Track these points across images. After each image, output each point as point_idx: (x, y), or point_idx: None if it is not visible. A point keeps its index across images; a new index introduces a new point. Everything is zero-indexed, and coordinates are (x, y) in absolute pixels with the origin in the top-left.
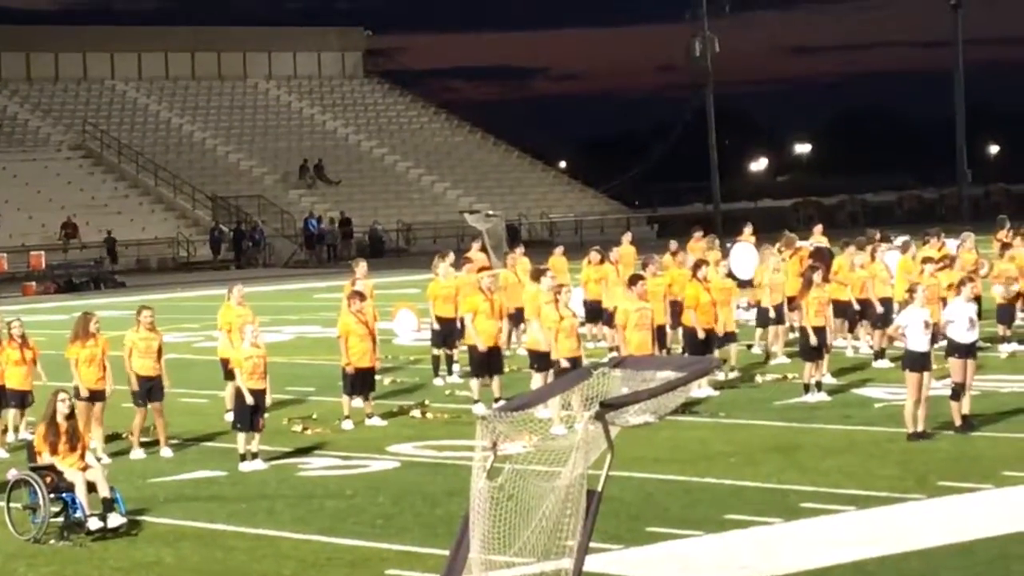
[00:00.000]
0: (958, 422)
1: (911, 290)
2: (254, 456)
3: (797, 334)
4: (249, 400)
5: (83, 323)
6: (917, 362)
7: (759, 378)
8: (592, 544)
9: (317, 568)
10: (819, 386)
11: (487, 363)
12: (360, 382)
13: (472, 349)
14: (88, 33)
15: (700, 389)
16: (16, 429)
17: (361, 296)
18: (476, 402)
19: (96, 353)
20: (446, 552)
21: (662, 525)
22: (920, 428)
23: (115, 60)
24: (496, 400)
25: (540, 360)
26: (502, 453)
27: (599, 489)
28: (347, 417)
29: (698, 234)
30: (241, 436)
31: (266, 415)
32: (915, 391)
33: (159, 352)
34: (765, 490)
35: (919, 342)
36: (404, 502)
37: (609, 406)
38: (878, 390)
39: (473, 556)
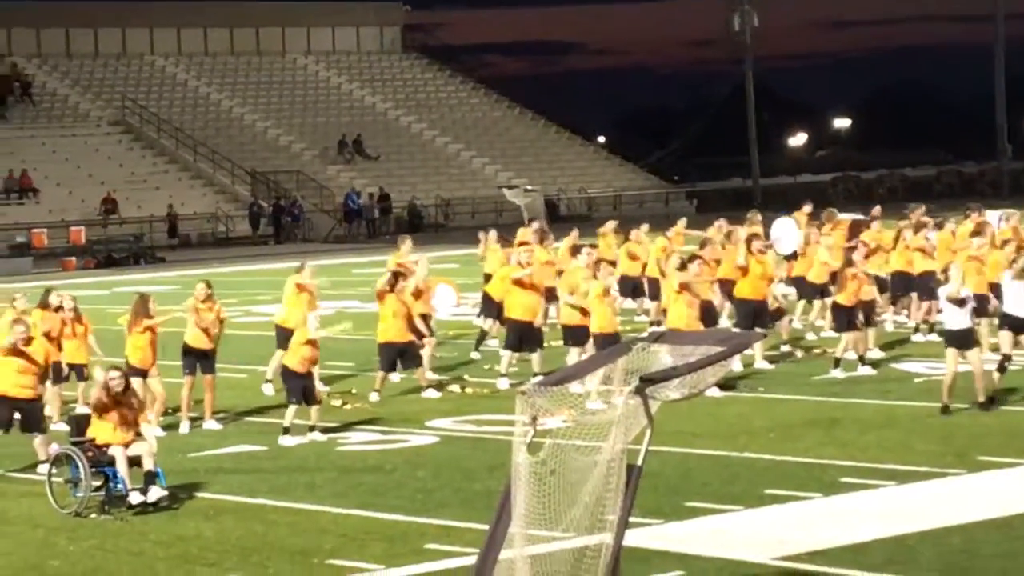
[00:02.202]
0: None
1: (945, 270)
2: (312, 429)
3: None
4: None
5: (143, 304)
6: (955, 339)
7: (798, 353)
8: (632, 518)
9: (356, 543)
10: (862, 360)
11: (523, 337)
12: (400, 357)
13: (509, 322)
14: (127, 9)
15: (759, 362)
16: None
17: (403, 275)
18: (502, 376)
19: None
20: (485, 527)
21: (702, 500)
22: (980, 398)
23: (154, 35)
24: (534, 375)
25: (575, 335)
26: (542, 428)
27: (639, 464)
28: (376, 390)
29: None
30: (291, 410)
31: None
32: (954, 366)
33: (218, 325)
34: (804, 465)
35: (956, 320)
36: (443, 477)
37: (649, 380)
38: (918, 364)
39: (514, 530)
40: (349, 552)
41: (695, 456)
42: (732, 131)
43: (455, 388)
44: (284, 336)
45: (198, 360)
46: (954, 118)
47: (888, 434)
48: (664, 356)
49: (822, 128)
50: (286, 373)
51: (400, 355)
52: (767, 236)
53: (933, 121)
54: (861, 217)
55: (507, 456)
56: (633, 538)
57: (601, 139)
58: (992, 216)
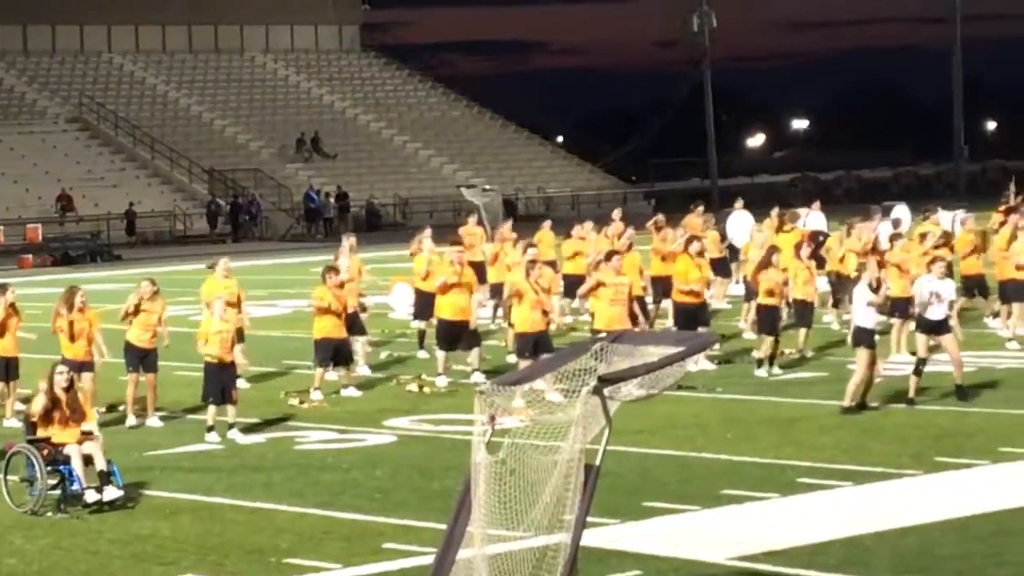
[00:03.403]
0: (912, 394)
1: (859, 268)
2: (230, 427)
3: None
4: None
5: (68, 296)
6: (866, 338)
7: (755, 352)
8: (589, 518)
9: (314, 542)
10: (771, 361)
11: (456, 337)
12: (335, 354)
13: (440, 322)
14: (85, 5)
15: (697, 364)
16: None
17: (336, 271)
18: (439, 374)
19: (83, 326)
20: (443, 526)
21: (659, 500)
22: (857, 400)
23: (112, 33)
24: (473, 371)
25: None
26: (500, 427)
27: (597, 463)
28: (317, 388)
29: (699, 208)
30: (212, 408)
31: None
32: (865, 366)
33: (158, 324)
34: (762, 465)
35: (868, 319)
36: (401, 476)
37: (607, 381)
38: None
39: (472, 530)
40: (307, 551)
41: (653, 456)
42: (691, 131)
43: (413, 387)
44: None
45: (140, 358)
46: (912, 120)
47: (845, 435)
48: (622, 356)
49: (780, 129)
50: (206, 367)
51: (336, 351)
52: (723, 234)
53: (891, 123)
54: (820, 229)
55: (465, 455)
56: (590, 538)
57: (559, 139)
58: (945, 217)
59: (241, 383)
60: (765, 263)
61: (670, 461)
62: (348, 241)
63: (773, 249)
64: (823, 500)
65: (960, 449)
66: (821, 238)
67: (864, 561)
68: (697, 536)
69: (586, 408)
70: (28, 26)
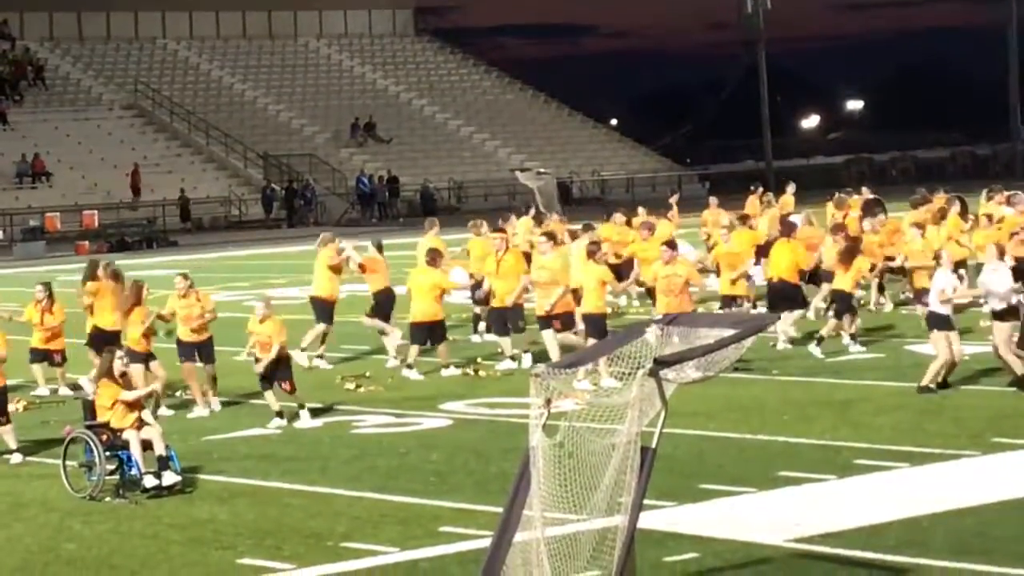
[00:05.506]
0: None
1: (936, 256)
2: (278, 414)
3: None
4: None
5: (135, 292)
6: (941, 323)
7: (823, 331)
8: (645, 501)
9: (371, 525)
10: (820, 341)
11: (504, 321)
12: (430, 334)
13: (492, 310)
14: None
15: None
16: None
17: (441, 254)
18: (508, 358)
19: (146, 318)
20: (500, 509)
21: (715, 482)
22: (937, 381)
23: (166, 19)
24: (511, 358)
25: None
26: (556, 410)
27: (653, 446)
28: (411, 366)
29: (758, 191)
30: (269, 393)
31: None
32: (947, 349)
33: (202, 316)
34: (818, 447)
35: (940, 304)
36: (457, 459)
37: (663, 363)
38: (931, 347)
39: (530, 513)
40: (363, 535)
41: (709, 438)
42: (745, 113)
43: (469, 371)
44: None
45: (195, 351)
46: (967, 100)
47: (902, 416)
48: (678, 338)
49: (835, 110)
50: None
51: (430, 332)
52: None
53: (946, 103)
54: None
55: (521, 439)
56: (647, 521)
57: (614, 122)
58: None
59: (322, 363)
60: (852, 253)
61: (726, 443)
62: (431, 228)
63: (856, 240)
64: (880, 481)
65: (1018, 430)
66: (878, 209)
67: (921, 542)
68: (754, 518)
69: (642, 390)
70: (83, 13)
